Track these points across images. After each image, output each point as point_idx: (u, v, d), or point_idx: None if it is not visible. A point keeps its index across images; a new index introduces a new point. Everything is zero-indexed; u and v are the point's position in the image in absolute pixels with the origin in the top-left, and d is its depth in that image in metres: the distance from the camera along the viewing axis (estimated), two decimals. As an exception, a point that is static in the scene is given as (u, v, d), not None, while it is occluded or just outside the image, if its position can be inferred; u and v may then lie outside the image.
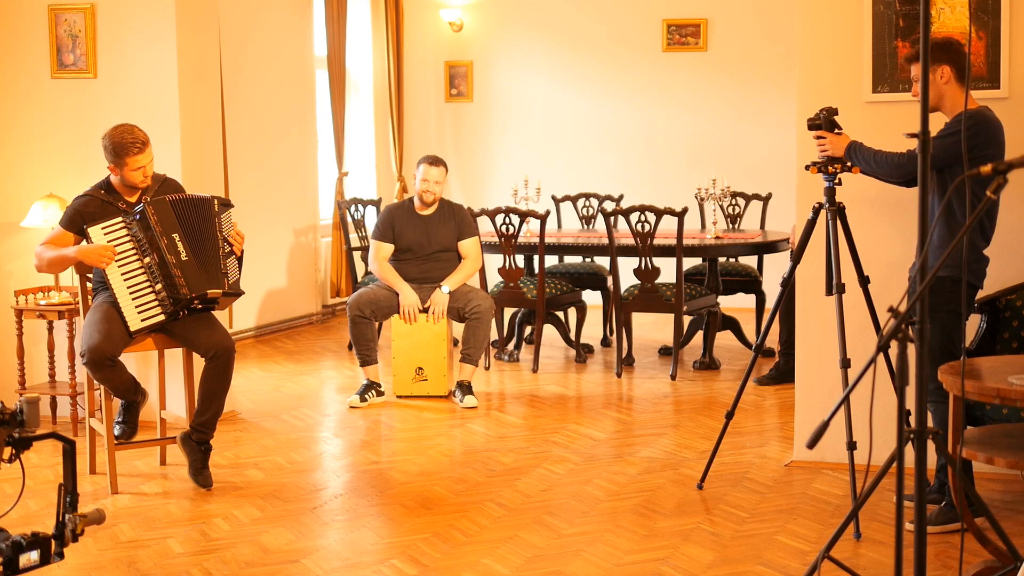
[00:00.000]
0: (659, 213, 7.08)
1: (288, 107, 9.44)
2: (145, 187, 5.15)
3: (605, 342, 8.38)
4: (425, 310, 6.64)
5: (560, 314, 7.97)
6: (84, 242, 5.06)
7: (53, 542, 2.33)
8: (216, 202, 5.18)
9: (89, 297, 5.22)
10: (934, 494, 4.49)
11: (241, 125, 8.68)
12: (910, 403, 4.31)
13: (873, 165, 4.52)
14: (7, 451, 2.36)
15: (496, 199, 10.27)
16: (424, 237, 6.75)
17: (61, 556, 2.35)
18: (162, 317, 5.02)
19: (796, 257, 4.85)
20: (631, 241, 7.28)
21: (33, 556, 2.29)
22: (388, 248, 6.76)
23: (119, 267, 4.99)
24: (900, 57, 4.91)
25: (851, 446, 4.46)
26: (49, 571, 4.08)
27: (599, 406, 6.59)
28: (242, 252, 5.22)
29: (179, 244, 5.02)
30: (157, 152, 5.48)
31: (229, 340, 5.06)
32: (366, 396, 6.58)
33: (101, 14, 6.13)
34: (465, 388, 6.59)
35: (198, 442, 5.06)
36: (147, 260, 5.01)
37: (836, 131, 4.62)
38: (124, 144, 4.98)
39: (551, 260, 8.54)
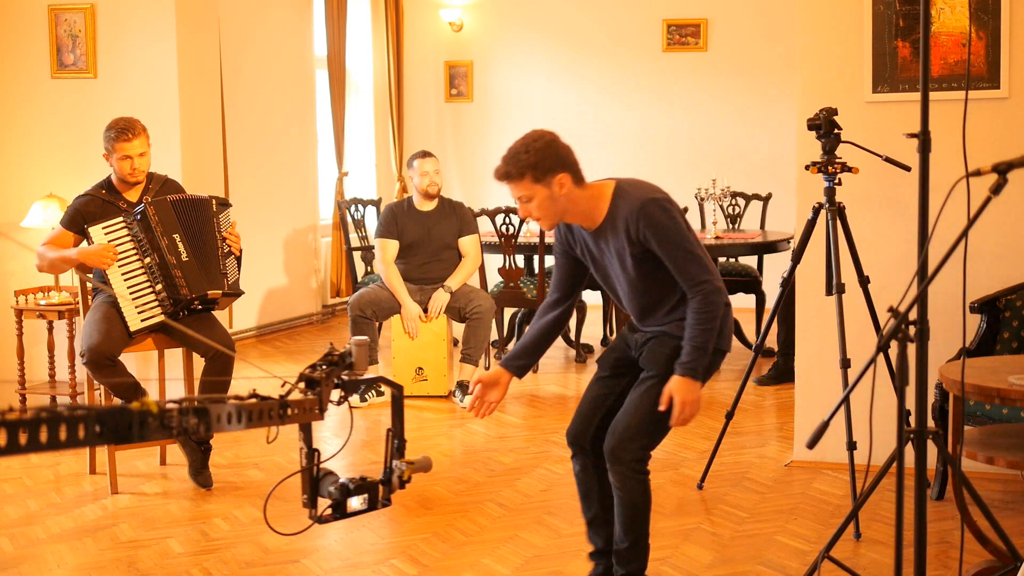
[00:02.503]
0: (659, 213, 7.07)
1: (288, 107, 9.44)
2: (141, 185, 5.15)
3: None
4: (425, 310, 6.64)
5: (560, 314, 7.96)
6: (85, 242, 5.06)
7: (381, 488, 2.29)
8: (214, 202, 5.18)
9: (89, 297, 5.22)
10: None
11: (241, 125, 8.68)
12: (910, 403, 4.31)
13: (707, 338, 3.46)
14: (336, 393, 2.32)
15: (496, 199, 10.26)
16: (426, 234, 6.75)
17: (388, 502, 2.30)
18: (162, 317, 5.02)
19: (796, 257, 4.85)
20: (631, 241, 7.27)
21: (361, 501, 2.26)
22: (394, 245, 6.76)
23: (119, 267, 4.99)
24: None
25: (851, 446, 4.46)
26: (49, 571, 4.09)
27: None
28: (240, 252, 5.23)
29: (179, 244, 5.03)
30: (157, 152, 5.49)
31: (229, 340, 5.06)
32: (366, 396, 6.58)
33: (101, 14, 6.13)
34: (465, 388, 6.59)
35: (198, 442, 5.06)
36: (147, 260, 5.01)
37: (836, 131, 4.61)
38: (116, 129, 5.00)
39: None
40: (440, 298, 6.60)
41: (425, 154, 6.84)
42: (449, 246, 6.77)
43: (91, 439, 1.69)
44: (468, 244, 6.80)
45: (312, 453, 2.29)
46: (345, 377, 2.33)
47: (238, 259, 5.22)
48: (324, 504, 2.27)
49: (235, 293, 5.19)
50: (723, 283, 3.50)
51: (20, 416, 1.59)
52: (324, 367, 2.29)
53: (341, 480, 2.25)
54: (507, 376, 3.64)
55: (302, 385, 2.24)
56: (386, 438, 2.36)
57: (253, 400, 2.01)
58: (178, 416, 1.83)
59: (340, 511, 2.23)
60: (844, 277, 4.62)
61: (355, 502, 2.24)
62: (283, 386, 2.20)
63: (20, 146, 6.28)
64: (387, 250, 6.76)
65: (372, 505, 2.26)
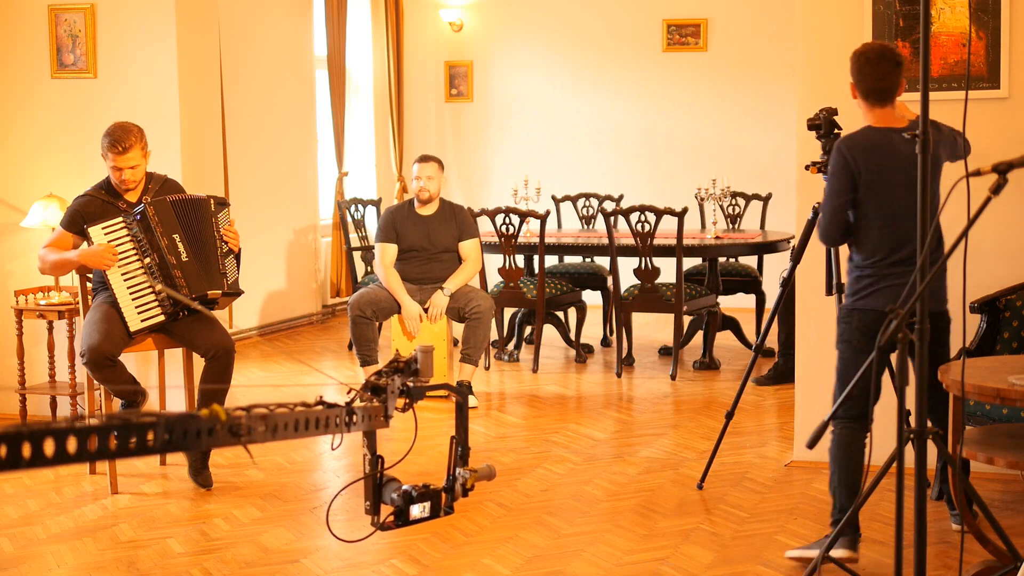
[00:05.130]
0: (659, 213, 7.08)
1: (288, 107, 9.44)
2: (141, 185, 5.15)
3: (605, 342, 8.37)
4: (425, 310, 6.63)
5: (560, 314, 7.97)
6: (85, 243, 5.06)
7: (444, 495, 2.27)
8: (213, 201, 5.18)
9: (89, 297, 5.22)
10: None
11: (241, 125, 8.68)
12: (910, 403, 4.31)
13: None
14: (401, 400, 2.31)
15: (496, 199, 10.27)
16: (425, 237, 6.74)
17: (451, 510, 2.28)
18: (162, 318, 5.02)
19: (796, 257, 4.85)
20: (631, 241, 7.28)
21: (423, 509, 2.23)
22: (393, 249, 6.75)
23: (119, 267, 4.99)
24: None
25: (851, 446, 4.46)
26: (49, 571, 4.09)
27: (599, 406, 6.58)
28: (239, 250, 5.23)
29: (179, 244, 5.03)
30: (157, 152, 5.49)
31: (229, 340, 5.06)
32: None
33: (101, 14, 6.12)
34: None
35: None
36: (147, 260, 5.01)
37: (836, 131, 4.61)
38: (111, 141, 4.98)
39: (551, 260, 8.54)
40: (439, 301, 6.59)
41: (423, 158, 6.82)
42: (448, 250, 6.76)
43: (160, 446, 1.68)
44: (468, 248, 6.78)
45: (376, 460, 2.26)
46: (410, 384, 2.31)
47: (237, 257, 5.22)
48: (387, 511, 2.25)
49: (235, 293, 5.19)
50: (829, 234, 4.10)
51: (91, 424, 1.59)
52: (390, 374, 2.28)
53: (404, 487, 2.23)
54: None
55: (367, 392, 2.23)
56: (450, 446, 2.34)
57: (319, 407, 2.00)
58: (246, 423, 1.82)
59: (402, 519, 2.21)
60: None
61: (417, 510, 2.23)
62: (348, 393, 2.19)
63: (20, 146, 6.28)
64: (386, 254, 6.75)
65: (435, 513, 2.24)
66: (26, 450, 1.50)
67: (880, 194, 3.95)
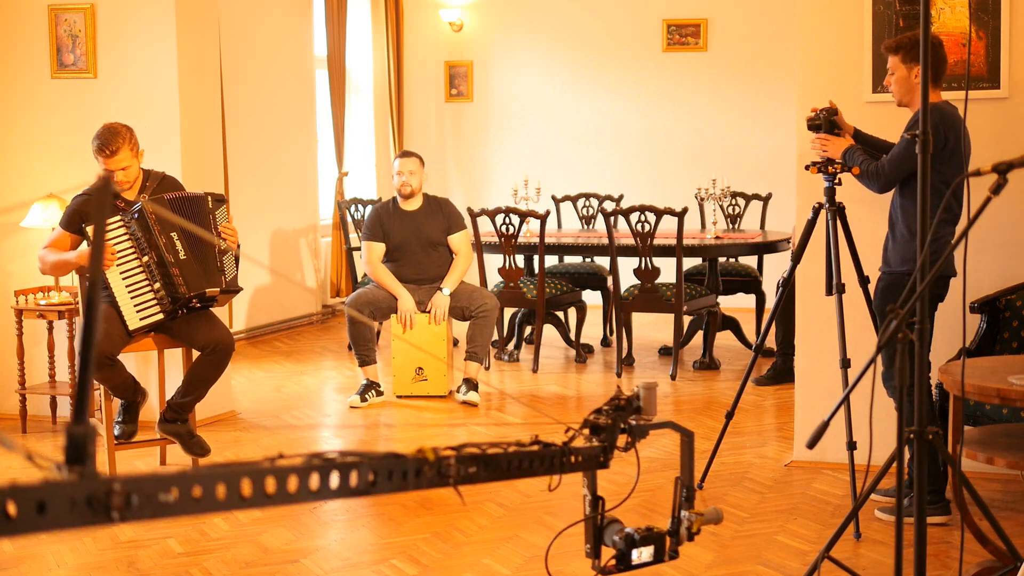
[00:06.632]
0: (659, 213, 7.08)
1: (288, 107, 9.44)
2: (138, 184, 5.15)
3: (605, 342, 8.37)
4: (427, 311, 6.63)
5: (560, 314, 7.97)
6: (84, 242, 5.06)
7: (668, 539, 2.17)
8: (210, 199, 5.18)
9: (89, 297, 5.21)
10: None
11: (241, 125, 8.68)
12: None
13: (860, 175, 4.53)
14: (623, 439, 2.22)
15: (496, 199, 10.27)
16: (413, 233, 6.73)
17: (675, 555, 2.17)
18: (161, 316, 5.02)
19: (796, 257, 4.85)
20: (631, 241, 7.28)
21: (646, 553, 2.13)
22: (380, 247, 6.75)
23: (117, 266, 4.99)
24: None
25: (851, 446, 4.46)
26: (49, 571, 4.09)
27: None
28: (238, 247, 5.23)
29: (177, 243, 5.03)
30: (157, 152, 5.48)
31: (229, 336, 5.07)
32: (366, 396, 6.57)
33: (101, 14, 6.12)
34: (470, 384, 6.59)
35: (172, 421, 5.08)
36: (145, 259, 5.01)
37: (836, 131, 4.62)
38: (99, 145, 4.97)
39: (551, 260, 8.54)
40: (441, 302, 6.59)
41: (404, 154, 6.83)
42: (438, 244, 6.75)
43: (363, 488, 1.62)
44: (458, 241, 6.78)
45: (596, 501, 2.18)
46: (632, 422, 2.22)
47: (236, 255, 5.22)
48: (608, 554, 2.16)
49: (233, 290, 5.19)
50: (892, 183, 4.45)
51: (293, 464, 1.53)
52: (610, 411, 2.18)
53: (627, 530, 2.13)
54: None
55: (587, 431, 2.14)
56: (675, 487, 2.24)
57: (536, 447, 1.93)
58: (456, 464, 1.76)
59: (624, 563, 2.12)
60: (844, 277, 4.62)
61: (640, 554, 2.13)
62: (567, 432, 2.08)
63: (20, 146, 6.28)
64: (373, 252, 6.74)
65: (658, 557, 2.14)
66: (221, 492, 1.47)
67: (956, 162, 4.28)
